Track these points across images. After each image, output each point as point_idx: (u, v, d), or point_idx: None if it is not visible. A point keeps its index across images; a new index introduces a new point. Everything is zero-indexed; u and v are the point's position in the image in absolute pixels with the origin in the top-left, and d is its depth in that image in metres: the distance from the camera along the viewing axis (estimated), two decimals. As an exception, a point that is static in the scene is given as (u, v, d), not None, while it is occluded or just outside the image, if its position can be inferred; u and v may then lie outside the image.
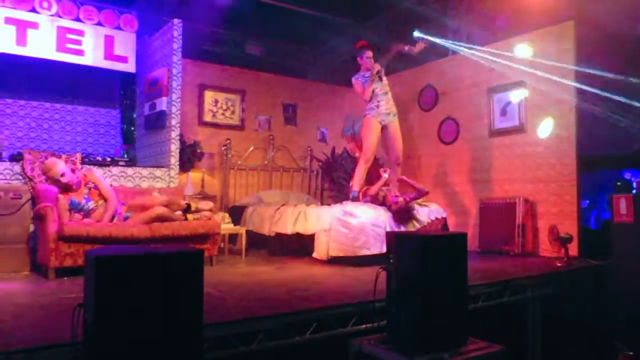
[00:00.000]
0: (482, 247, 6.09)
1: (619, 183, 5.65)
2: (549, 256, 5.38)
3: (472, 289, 3.40)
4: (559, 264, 4.83)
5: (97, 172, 5.01)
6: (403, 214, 5.29)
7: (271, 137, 8.04)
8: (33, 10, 5.70)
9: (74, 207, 4.44)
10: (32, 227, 4.54)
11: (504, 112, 6.45)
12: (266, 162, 8.01)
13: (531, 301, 4.28)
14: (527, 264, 5.10)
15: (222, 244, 5.91)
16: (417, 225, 5.36)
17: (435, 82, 7.43)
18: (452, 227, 5.88)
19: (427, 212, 5.56)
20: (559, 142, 5.81)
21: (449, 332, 2.71)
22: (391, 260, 2.79)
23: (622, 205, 4.41)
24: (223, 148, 7.53)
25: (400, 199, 5.34)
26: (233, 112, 7.80)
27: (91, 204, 4.53)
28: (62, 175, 4.44)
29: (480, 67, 6.70)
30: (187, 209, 4.96)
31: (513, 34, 6.31)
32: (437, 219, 5.61)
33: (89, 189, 4.61)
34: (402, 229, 5.18)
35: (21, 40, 5.65)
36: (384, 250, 4.84)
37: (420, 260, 2.64)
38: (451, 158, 7.09)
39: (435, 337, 2.63)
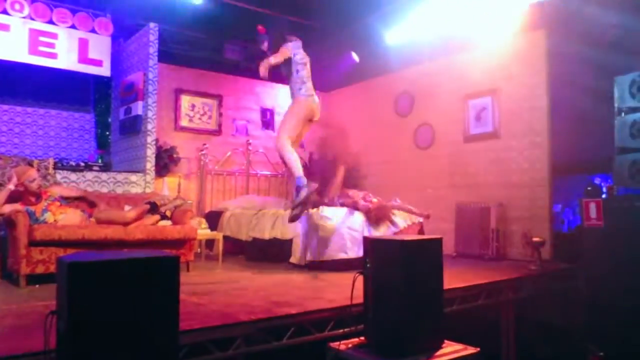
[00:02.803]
0: (458, 251, 6.17)
1: (589, 188, 5.81)
2: (522, 260, 5.48)
3: (447, 293, 3.44)
4: (532, 268, 4.92)
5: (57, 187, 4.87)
6: (377, 215, 5.31)
7: (249, 142, 8.02)
8: (4, 12, 5.59)
9: (30, 217, 4.22)
10: (1, 233, 4.43)
11: (478, 118, 6.56)
12: (243, 167, 7.98)
13: (505, 304, 4.35)
14: (501, 267, 5.19)
15: (199, 250, 5.86)
16: (394, 229, 5.40)
17: (411, 88, 7.52)
18: (428, 232, 5.93)
19: (403, 217, 5.61)
20: (532, 147, 5.93)
21: (426, 335, 2.74)
22: (368, 265, 2.81)
23: (592, 209, 4.52)
24: (200, 153, 7.47)
25: (374, 200, 5.39)
26: (210, 117, 7.76)
27: (47, 216, 4.37)
28: (33, 180, 4.34)
29: (456, 74, 6.83)
30: (153, 208, 4.86)
31: (488, 42, 6.44)
32: (413, 223, 5.67)
33: (49, 202, 4.46)
34: (376, 233, 5.21)
35: (-9, 42, 5.54)
36: (361, 254, 4.87)
37: (396, 264, 2.66)
38: (427, 163, 7.18)
39: (411, 341, 2.65)
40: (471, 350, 2.82)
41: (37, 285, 3.96)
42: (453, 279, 3.96)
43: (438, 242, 2.93)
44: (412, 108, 7.52)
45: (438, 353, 2.72)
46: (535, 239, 5.14)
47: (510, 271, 4.83)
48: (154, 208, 4.83)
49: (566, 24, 5.70)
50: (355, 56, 7.21)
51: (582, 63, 5.70)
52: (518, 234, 5.80)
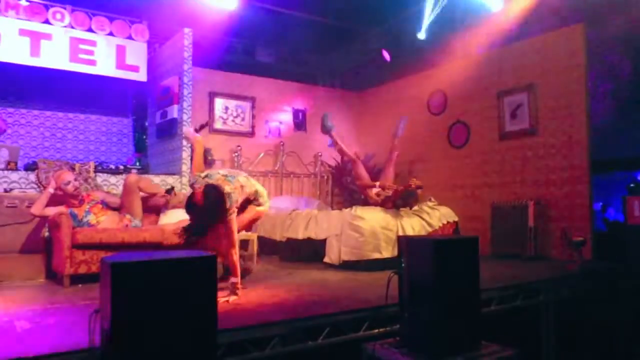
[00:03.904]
0: (494, 250, 6.06)
1: (632, 185, 5.61)
2: (562, 259, 5.34)
3: (484, 293, 3.39)
4: (572, 267, 4.79)
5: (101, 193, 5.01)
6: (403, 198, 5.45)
7: (281, 143, 8.08)
8: (46, 21, 5.80)
9: (73, 219, 4.35)
10: (47, 235, 4.60)
11: (514, 115, 6.43)
12: (276, 168, 8.05)
13: (545, 305, 4.24)
14: (540, 267, 5.07)
15: (234, 250, 5.92)
16: (429, 229, 5.35)
17: (444, 86, 7.43)
18: (463, 231, 5.85)
19: (438, 216, 5.55)
20: (570, 144, 5.77)
21: (462, 336, 2.70)
22: (403, 265, 2.79)
23: (636, 206, 4.37)
24: (234, 155, 7.58)
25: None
26: (243, 119, 7.86)
27: (91, 218, 4.51)
28: (68, 183, 4.45)
29: (490, 70, 6.71)
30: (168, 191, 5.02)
31: (523, 37, 6.31)
32: (448, 222, 5.61)
33: (91, 205, 4.60)
34: (408, 228, 5.17)
35: (35, 51, 5.76)
36: (396, 253, 4.85)
37: (432, 264, 2.64)
38: (462, 162, 7.08)
39: (448, 342, 2.63)
40: (509, 351, 2.77)
41: (80, 285, 4.09)
42: (490, 279, 3.90)
43: (474, 241, 2.89)
44: (445, 106, 7.43)
45: (475, 354, 2.68)
46: (575, 238, 5.00)
47: (550, 271, 4.72)
48: (169, 191, 5.01)
49: (605, 17, 5.53)
50: (387, 55, 7.18)
51: (622, 56, 5.53)
52: (557, 233, 5.66)
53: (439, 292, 2.61)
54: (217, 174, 3.74)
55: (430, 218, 5.44)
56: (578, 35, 5.74)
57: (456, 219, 5.74)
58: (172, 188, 4.83)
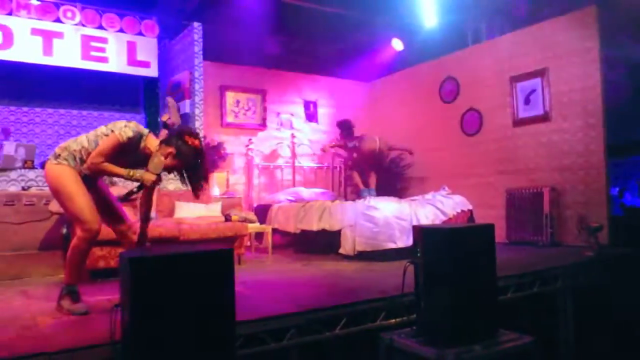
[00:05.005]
0: (510, 238, 6.03)
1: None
2: (578, 246, 5.30)
3: (501, 281, 3.38)
4: (589, 254, 4.75)
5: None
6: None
7: (293, 135, 8.08)
8: (58, 20, 5.84)
9: None
10: (65, 231, 4.66)
11: (527, 101, 6.36)
12: (289, 160, 8.06)
13: (562, 292, 4.22)
14: (557, 254, 5.04)
15: (249, 243, 5.97)
16: (443, 218, 5.34)
17: (456, 73, 7.37)
18: (478, 219, 5.83)
19: (452, 204, 5.53)
20: (585, 129, 5.70)
21: (480, 325, 2.70)
22: (418, 254, 2.79)
23: (654, 191, 4.30)
24: (246, 148, 7.60)
25: None
26: (255, 112, 7.87)
27: None
28: None
29: (502, 56, 6.64)
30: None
31: (535, 21, 6.22)
32: (462, 211, 5.58)
33: None
34: (423, 219, 5.15)
35: (47, 50, 5.81)
36: (410, 243, 4.84)
37: (447, 252, 2.63)
38: (475, 149, 7.03)
39: (465, 330, 2.63)
40: (527, 339, 2.76)
41: (99, 280, 4.16)
42: (506, 266, 3.88)
43: (490, 228, 2.87)
44: (457, 94, 7.36)
45: (492, 342, 2.68)
46: (592, 224, 4.96)
47: (566, 258, 4.69)
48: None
49: (619, -1, 5.44)
50: (397, 43, 7.13)
51: (636, 38, 5.43)
52: (573, 219, 5.61)
53: (455, 281, 2.61)
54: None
55: (444, 207, 5.43)
56: (591, 18, 5.64)
57: (470, 207, 5.71)
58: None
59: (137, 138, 3.00)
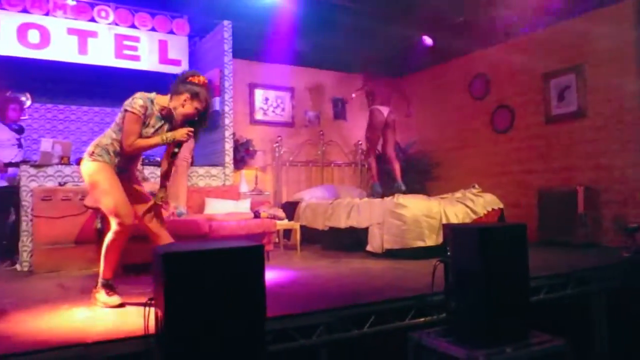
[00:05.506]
0: (542, 237, 5.90)
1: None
2: (615, 247, 5.15)
3: (533, 281, 3.31)
4: (625, 255, 4.61)
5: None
6: None
7: (321, 132, 8.09)
8: (92, 20, 5.97)
9: None
10: (99, 226, 4.78)
11: (561, 97, 6.21)
12: (317, 157, 8.07)
13: (597, 294, 4.11)
14: (592, 255, 4.91)
15: (277, 239, 6.01)
16: (473, 217, 5.26)
17: (486, 69, 7.25)
18: (509, 218, 5.73)
19: (482, 203, 5.45)
20: (622, 126, 5.54)
21: (511, 326, 2.65)
22: (448, 253, 2.76)
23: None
24: (274, 145, 7.65)
25: None
26: (283, 109, 7.91)
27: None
28: None
29: (535, 52, 6.50)
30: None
31: (568, 16, 6.06)
32: (493, 210, 5.49)
33: None
34: (452, 215, 5.08)
35: (82, 49, 5.94)
36: (440, 241, 4.80)
37: (478, 252, 2.60)
38: (506, 147, 6.91)
39: (496, 331, 2.59)
40: (559, 341, 2.70)
41: (132, 274, 4.25)
42: (539, 266, 3.80)
43: (522, 228, 2.82)
44: (488, 90, 7.25)
45: (524, 343, 2.63)
46: (629, 224, 4.81)
47: (601, 259, 4.57)
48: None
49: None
50: (428, 39, 7.02)
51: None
52: (609, 219, 5.47)
53: (486, 281, 2.57)
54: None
55: (474, 205, 5.35)
56: (628, 12, 5.47)
57: (501, 205, 5.62)
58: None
59: (149, 103, 3.10)
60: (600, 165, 5.73)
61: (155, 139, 3.08)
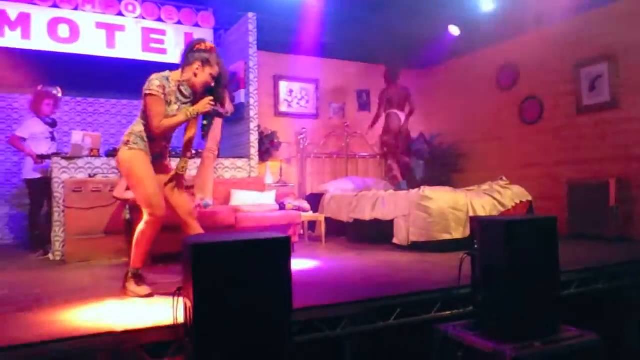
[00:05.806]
0: (572, 231, 5.78)
1: None
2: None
3: (563, 275, 3.25)
4: (659, 249, 4.49)
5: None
6: None
7: (346, 124, 8.06)
8: (120, 14, 6.06)
9: None
10: (127, 217, 4.87)
11: (592, 87, 6.05)
12: (341, 149, 8.05)
13: (629, 289, 4.01)
14: (624, 249, 4.80)
15: (302, 231, 6.03)
16: (501, 209, 5.18)
17: (514, 59, 7.11)
18: (538, 211, 5.62)
19: (510, 195, 5.36)
20: (657, 117, 5.37)
21: (540, 320, 2.61)
22: (475, 246, 2.73)
23: None
24: (299, 137, 7.65)
25: None
26: (308, 101, 7.91)
27: None
28: None
29: (565, 41, 6.33)
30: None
31: (600, 4, 5.89)
32: (521, 202, 5.40)
33: None
34: (480, 210, 5.01)
35: (110, 43, 6.04)
36: (467, 234, 4.75)
37: (506, 245, 2.55)
38: (535, 138, 6.77)
39: (525, 324, 2.54)
40: (591, 336, 2.65)
41: (160, 264, 4.32)
42: (569, 260, 3.73)
43: (552, 221, 2.76)
44: (516, 81, 7.11)
45: (554, 338, 2.58)
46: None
47: (633, 253, 4.45)
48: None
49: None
50: (454, 30, 6.92)
51: None
52: (642, 213, 5.32)
53: (515, 274, 2.53)
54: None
55: (502, 198, 5.27)
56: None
57: (530, 198, 5.52)
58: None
59: (165, 81, 3.15)
60: (632, 156, 5.58)
61: (180, 116, 3.13)
